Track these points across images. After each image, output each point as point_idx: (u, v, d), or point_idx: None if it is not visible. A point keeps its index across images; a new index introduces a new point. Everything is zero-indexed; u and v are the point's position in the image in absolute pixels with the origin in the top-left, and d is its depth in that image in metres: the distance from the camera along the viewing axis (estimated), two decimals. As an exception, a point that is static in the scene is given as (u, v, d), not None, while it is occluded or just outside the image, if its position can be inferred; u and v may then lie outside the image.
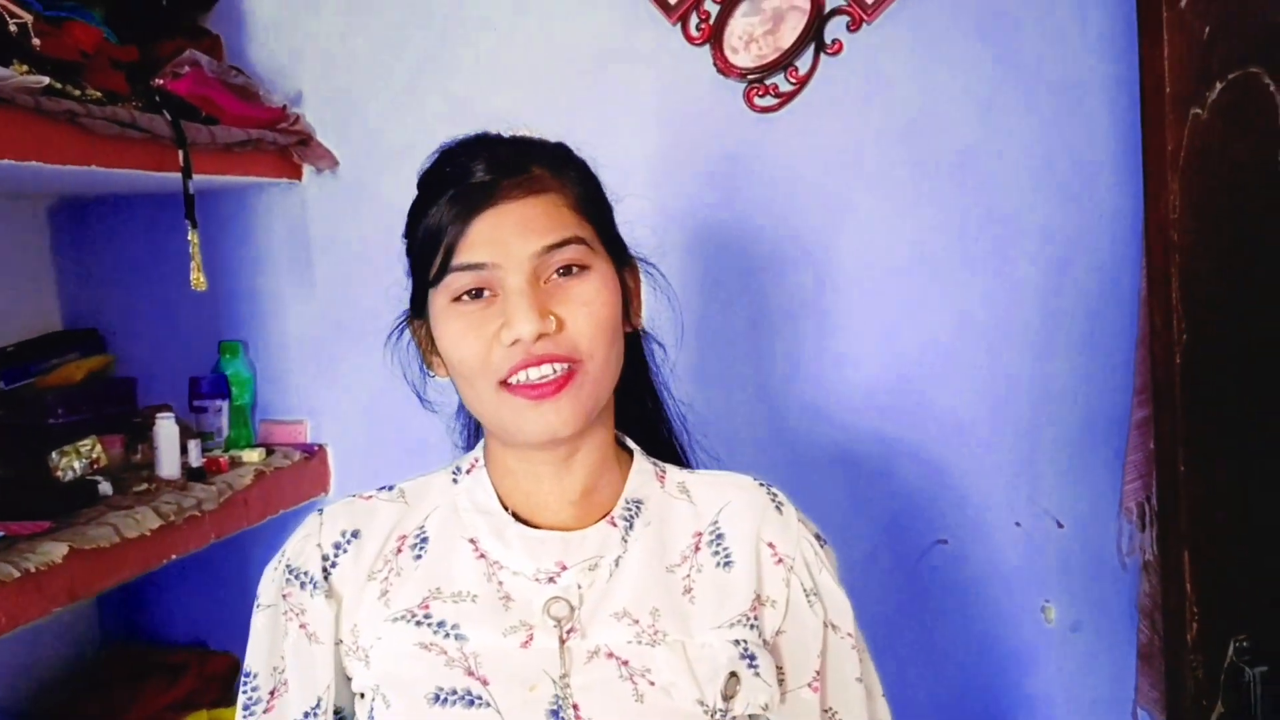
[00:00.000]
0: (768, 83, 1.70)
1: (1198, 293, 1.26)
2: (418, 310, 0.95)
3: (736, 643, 0.89)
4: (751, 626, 0.91)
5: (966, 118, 1.65)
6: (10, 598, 1.26)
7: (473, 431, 1.07)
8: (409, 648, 0.88)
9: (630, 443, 1.00)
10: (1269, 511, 1.35)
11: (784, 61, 1.68)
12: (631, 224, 1.00)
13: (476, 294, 0.88)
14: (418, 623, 0.89)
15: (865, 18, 1.64)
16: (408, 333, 1.00)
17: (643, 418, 1.05)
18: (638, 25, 1.73)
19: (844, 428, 1.73)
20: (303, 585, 0.93)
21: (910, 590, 1.75)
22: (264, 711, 0.94)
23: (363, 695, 0.92)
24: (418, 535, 0.94)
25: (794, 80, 1.69)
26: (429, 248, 0.89)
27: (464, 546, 0.92)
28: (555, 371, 0.86)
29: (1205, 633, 1.35)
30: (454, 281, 0.87)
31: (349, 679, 0.93)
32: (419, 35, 1.84)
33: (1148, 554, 1.54)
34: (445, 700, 0.86)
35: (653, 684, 0.86)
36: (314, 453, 1.92)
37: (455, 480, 0.97)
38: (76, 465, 1.64)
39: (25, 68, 1.32)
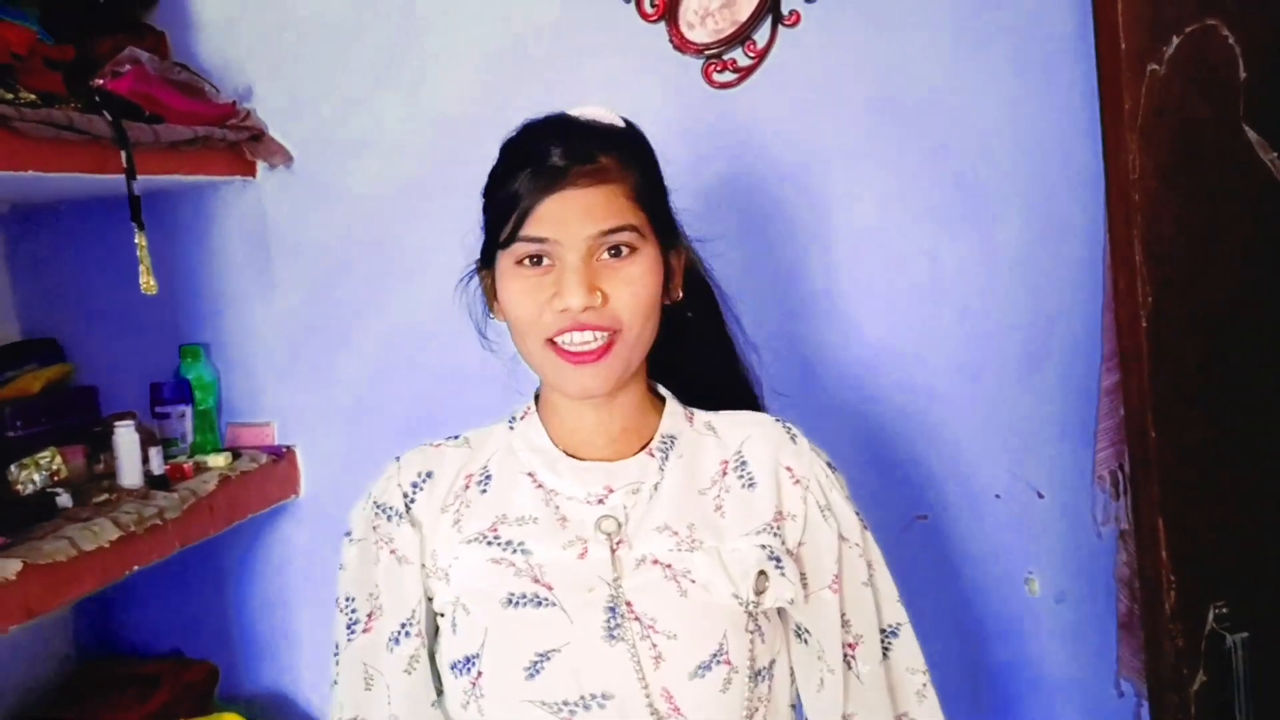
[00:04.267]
0: (726, 58, 1.66)
1: (1161, 254, 1.23)
2: (487, 262, 1.09)
3: (763, 547, 1.03)
4: (775, 535, 1.05)
5: (929, 83, 1.62)
6: (-38, 617, 1.24)
7: None
8: (483, 563, 1.04)
9: (663, 390, 1.15)
10: (1243, 475, 1.33)
11: (741, 35, 1.64)
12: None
13: (537, 261, 1.02)
14: (489, 543, 1.04)
15: (821, -14, 1.61)
16: (474, 280, 1.16)
17: (706, 373, 1.20)
18: (591, 3, 1.69)
19: (817, 405, 1.70)
20: (389, 518, 1.09)
21: (891, 567, 1.71)
22: (363, 631, 1.08)
23: (442, 615, 1.06)
24: (482, 473, 1.10)
25: (752, 54, 1.65)
26: (502, 214, 1.02)
27: (523, 480, 1.08)
28: (596, 340, 1.01)
29: (1184, 600, 1.33)
30: (520, 249, 1.02)
31: (430, 599, 1.07)
32: (371, 24, 1.80)
33: (1123, 523, 1.52)
34: (517, 603, 1.01)
35: (694, 582, 1.01)
36: (282, 455, 1.89)
37: (511, 427, 1.13)
38: (36, 478, 1.61)
39: (-48, 72, 1.28)
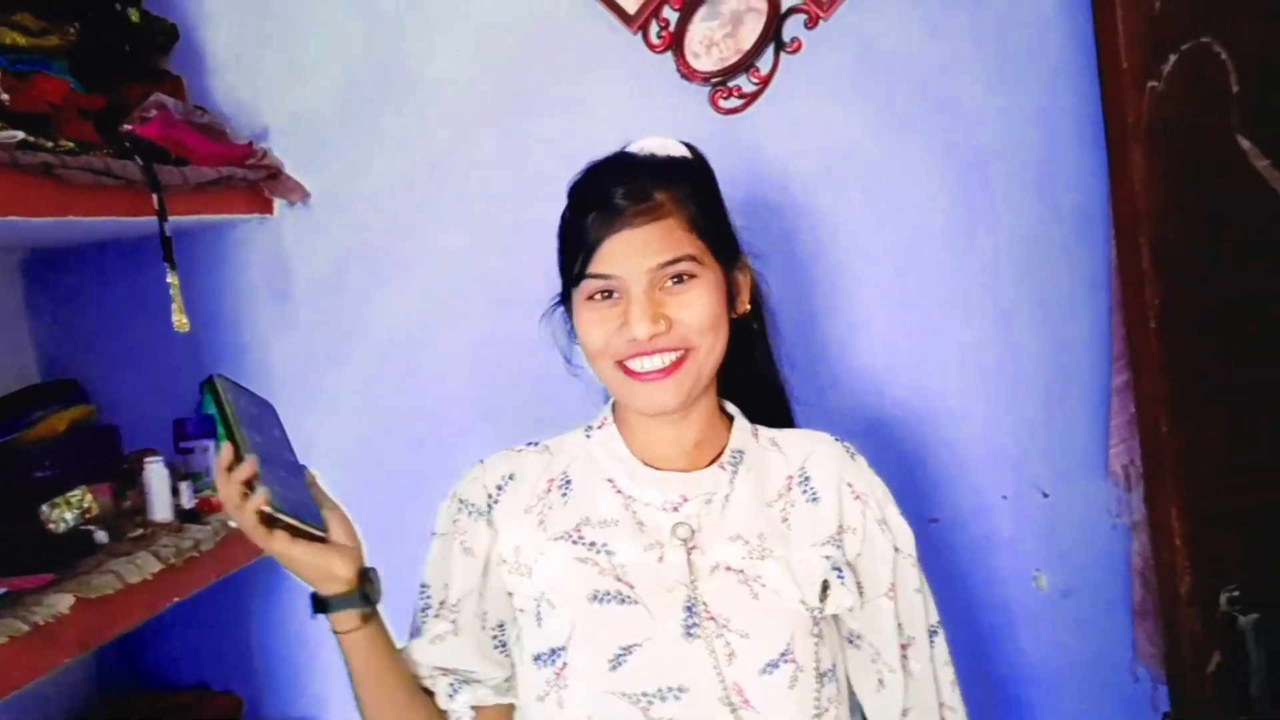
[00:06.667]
0: (731, 85, 1.73)
1: (1167, 257, 1.30)
2: (566, 295, 1.16)
3: (827, 558, 1.11)
4: (837, 547, 1.13)
5: (929, 103, 1.69)
6: (22, 652, 1.25)
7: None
8: (568, 561, 1.11)
9: (731, 407, 1.21)
10: (1250, 464, 1.40)
11: (746, 63, 1.71)
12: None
13: (607, 294, 1.10)
14: (574, 542, 1.12)
15: (822, 14, 1.68)
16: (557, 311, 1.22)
17: (755, 382, 1.25)
18: (599, 37, 1.76)
19: (830, 413, 1.76)
20: (469, 514, 1.17)
21: (907, 570, 1.78)
22: (434, 616, 1.16)
23: (523, 610, 1.13)
24: (563, 478, 1.17)
25: (756, 80, 1.72)
26: (572, 254, 1.11)
27: (604, 485, 1.15)
28: (663, 362, 1.08)
29: (1197, 586, 1.40)
30: (589, 285, 1.10)
31: (510, 594, 1.15)
32: (380, 60, 1.85)
33: (1136, 514, 1.59)
34: (602, 599, 1.08)
35: (764, 586, 1.08)
36: (305, 485, 1.91)
37: (588, 435, 1.20)
38: (68, 516, 1.62)
39: (-2, 124, 1.31)
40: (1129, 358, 1.39)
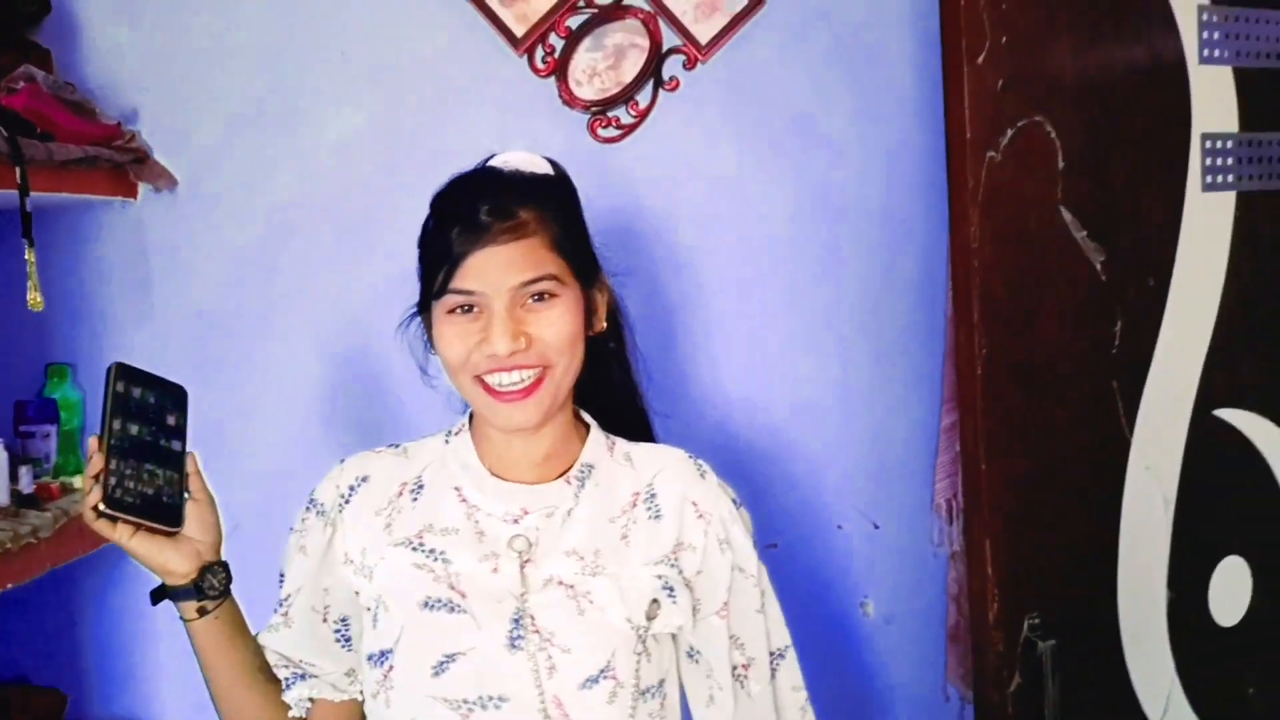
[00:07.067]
0: (610, 115, 1.80)
1: (995, 312, 1.44)
2: (425, 306, 1.17)
3: (659, 577, 1.14)
4: (672, 566, 1.15)
5: (793, 153, 1.81)
6: None
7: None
8: (406, 567, 1.13)
9: (587, 417, 1.23)
10: (1056, 502, 1.55)
11: (625, 95, 1.79)
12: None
13: (468, 309, 1.10)
14: (414, 548, 1.14)
15: (700, 57, 1.78)
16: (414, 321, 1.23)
17: (613, 398, 1.28)
18: (486, 56, 1.79)
19: (681, 437, 1.84)
20: (315, 513, 1.19)
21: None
22: (277, 606, 1.19)
23: (368, 609, 1.15)
24: (415, 482, 1.19)
25: (635, 113, 1.80)
26: (435, 267, 1.11)
27: (451, 493, 1.17)
28: (524, 379, 1.10)
29: (1004, 612, 1.53)
30: (450, 300, 1.10)
31: (357, 593, 1.17)
32: (259, 58, 1.83)
33: (955, 545, 1.72)
34: (432, 606, 1.11)
35: (592, 603, 1.11)
36: (150, 477, 1.87)
37: (447, 441, 1.21)
38: (-106, 496, 1.55)
39: None
40: (957, 400, 1.51)
